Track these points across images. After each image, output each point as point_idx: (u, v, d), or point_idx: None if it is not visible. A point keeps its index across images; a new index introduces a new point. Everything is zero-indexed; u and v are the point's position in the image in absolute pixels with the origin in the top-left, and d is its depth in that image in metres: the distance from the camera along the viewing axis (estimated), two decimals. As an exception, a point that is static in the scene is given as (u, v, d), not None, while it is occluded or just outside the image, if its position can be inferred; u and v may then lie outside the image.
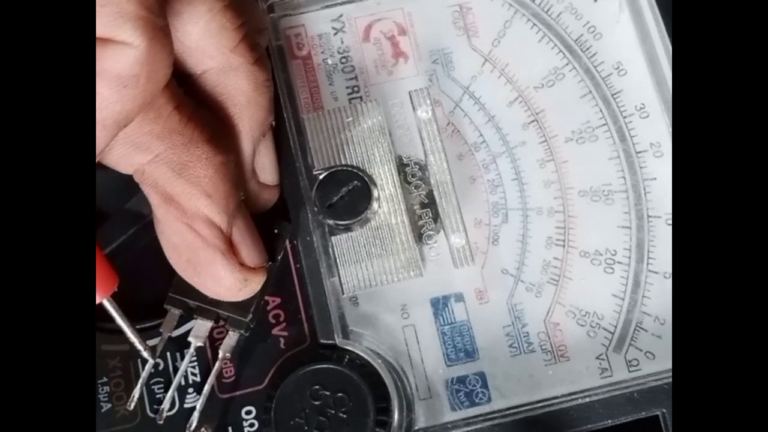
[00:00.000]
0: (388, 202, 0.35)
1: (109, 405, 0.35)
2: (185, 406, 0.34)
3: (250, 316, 0.34)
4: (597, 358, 0.35)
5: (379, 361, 0.34)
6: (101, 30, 0.26)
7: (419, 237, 0.36)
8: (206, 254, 0.32)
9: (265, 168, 0.35)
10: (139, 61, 0.27)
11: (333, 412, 0.33)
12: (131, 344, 0.34)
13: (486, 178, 0.37)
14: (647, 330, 0.35)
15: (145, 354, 0.34)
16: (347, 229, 0.35)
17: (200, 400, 0.34)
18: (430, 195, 0.36)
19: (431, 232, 0.36)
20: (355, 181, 0.34)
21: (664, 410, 0.34)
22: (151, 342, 0.34)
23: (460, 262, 0.35)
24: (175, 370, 0.35)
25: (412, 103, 0.36)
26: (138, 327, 0.34)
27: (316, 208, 0.35)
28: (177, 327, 0.35)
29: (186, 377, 0.35)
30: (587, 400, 0.34)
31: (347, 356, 0.34)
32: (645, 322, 0.35)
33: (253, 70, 0.32)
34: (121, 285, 0.33)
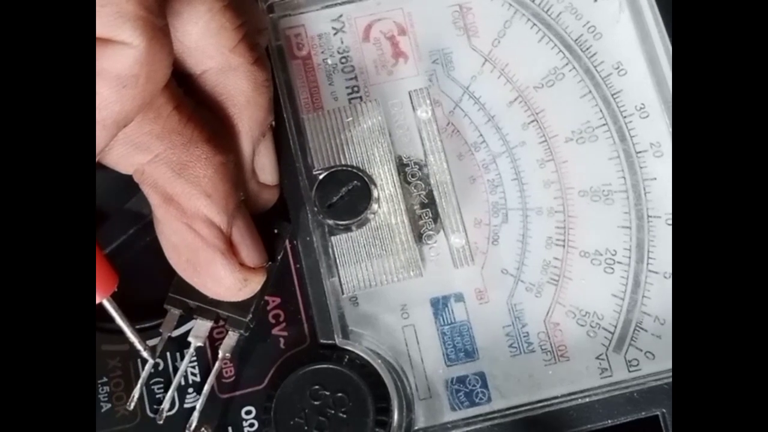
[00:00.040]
0: (387, 202, 0.35)
1: (109, 405, 0.35)
2: (185, 406, 0.34)
3: (250, 316, 0.34)
4: (597, 358, 0.35)
5: (379, 361, 0.34)
6: (101, 30, 0.26)
7: (419, 237, 0.36)
8: (206, 254, 0.32)
9: (265, 168, 0.35)
10: (139, 61, 0.27)
11: (333, 412, 0.33)
12: (131, 344, 0.34)
13: (486, 178, 0.37)
14: (647, 330, 0.35)
15: (145, 354, 0.34)
16: (347, 229, 0.35)
17: (200, 400, 0.34)
18: (430, 195, 0.36)
19: (431, 232, 0.36)
20: (355, 181, 0.34)
21: (664, 410, 0.34)
22: (151, 342, 0.34)
23: (460, 262, 0.35)
24: (175, 370, 0.35)
25: (412, 103, 0.36)
26: (138, 327, 0.34)
27: (316, 208, 0.35)
28: (177, 327, 0.35)
29: (186, 377, 0.35)
30: (587, 400, 0.34)
31: (347, 356, 0.34)
32: (645, 322, 0.35)
33: (252, 70, 0.33)
34: (121, 285, 0.33)
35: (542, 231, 0.37)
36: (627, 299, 0.36)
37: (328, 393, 0.33)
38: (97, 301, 0.33)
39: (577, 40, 0.39)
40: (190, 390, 0.35)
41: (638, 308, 0.36)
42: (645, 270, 0.36)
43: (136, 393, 0.34)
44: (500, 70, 0.38)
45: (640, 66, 0.38)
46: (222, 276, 0.32)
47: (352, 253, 0.35)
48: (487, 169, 0.37)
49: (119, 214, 0.37)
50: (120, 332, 0.34)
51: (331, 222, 0.35)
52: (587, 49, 0.39)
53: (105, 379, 0.35)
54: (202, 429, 0.34)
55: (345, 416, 0.33)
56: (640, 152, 0.37)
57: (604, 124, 0.38)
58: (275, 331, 0.35)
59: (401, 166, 0.36)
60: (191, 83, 0.32)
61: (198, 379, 0.35)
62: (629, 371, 0.35)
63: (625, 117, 0.38)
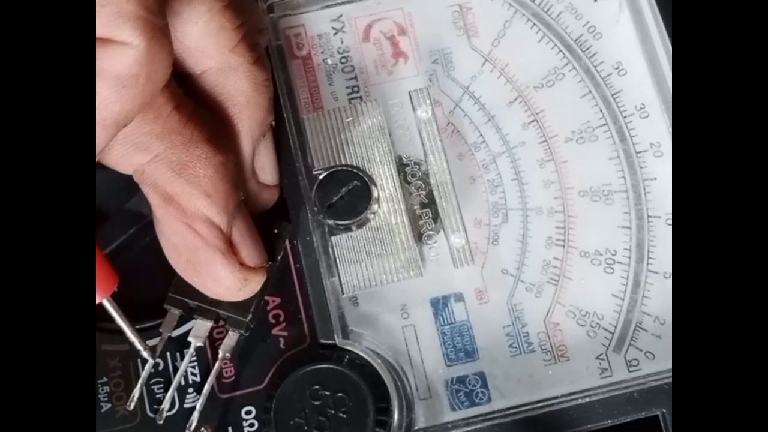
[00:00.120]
0: (387, 202, 0.35)
1: (109, 405, 0.35)
2: (185, 406, 0.34)
3: (250, 316, 0.34)
4: (597, 358, 0.35)
5: (379, 361, 0.34)
6: (101, 30, 0.26)
7: (419, 237, 0.36)
8: (206, 254, 0.32)
9: (264, 168, 0.35)
10: (139, 61, 0.27)
11: (333, 412, 0.33)
12: (131, 344, 0.34)
13: (486, 178, 0.37)
14: (647, 330, 0.35)
15: (145, 354, 0.34)
16: (347, 229, 0.35)
17: (200, 400, 0.34)
18: (430, 195, 0.36)
19: (431, 232, 0.36)
20: (355, 181, 0.34)
21: (664, 410, 0.34)
22: (151, 342, 0.34)
23: (460, 262, 0.35)
24: (175, 370, 0.35)
25: (411, 103, 0.36)
26: (138, 327, 0.34)
27: (316, 208, 0.35)
28: (177, 327, 0.35)
29: (186, 377, 0.35)
30: (587, 400, 0.34)
31: (347, 356, 0.34)
32: (645, 322, 0.35)
33: (252, 70, 0.32)
34: (121, 285, 0.33)
35: (542, 231, 0.37)
36: (627, 299, 0.36)
37: (328, 393, 0.33)
38: (97, 301, 0.33)
39: (577, 40, 0.39)
40: (190, 390, 0.35)
41: (638, 308, 0.36)
42: (645, 270, 0.36)
43: (136, 393, 0.34)
44: (500, 70, 0.38)
45: (640, 66, 0.38)
46: (222, 276, 0.32)
47: (352, 253, 0.35)
48: (487, 169, 0.37)
49: (119, 214, 0.37)
50: (120, 332, 0.34)
51: (331, 222, 0.35)
52: (587, 49, 0.39)
53: (105, 379, 0.35)
54: (202, 429, 0.34)
55: (345, 416, 0.33)
56: (640, 152, 0.37)
57: (604, 124, 0.38)
58: (275, 331, 0.35)
59: (401, 166, 0.36)
60: (191, 83, 0.32)
61: (198, 379, 0.35)
62: (629, 371, 0.35)
63: (625, 117, 0.38)
